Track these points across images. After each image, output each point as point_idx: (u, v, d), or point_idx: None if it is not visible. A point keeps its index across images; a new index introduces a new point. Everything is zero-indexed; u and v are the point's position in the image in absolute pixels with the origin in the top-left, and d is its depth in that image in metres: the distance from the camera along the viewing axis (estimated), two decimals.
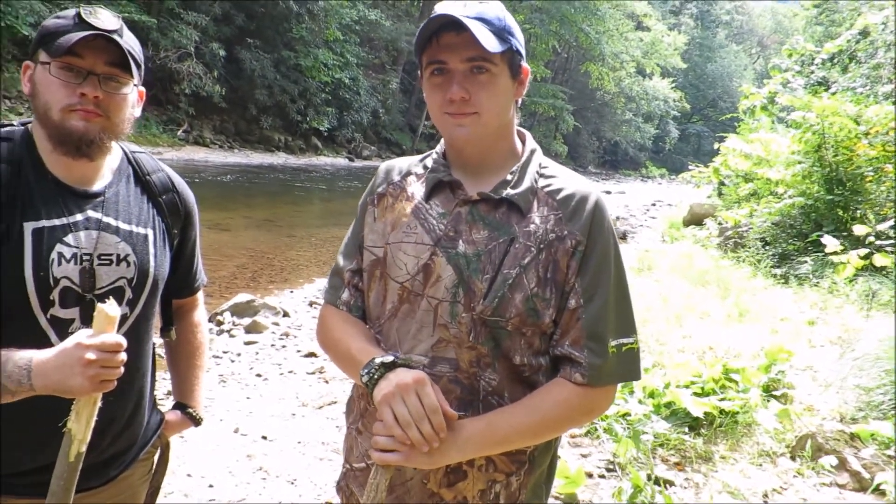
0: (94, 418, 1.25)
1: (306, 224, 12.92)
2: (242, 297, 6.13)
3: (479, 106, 1.29)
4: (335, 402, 4.29)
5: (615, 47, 46.44)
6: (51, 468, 1.26)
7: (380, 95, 34.35)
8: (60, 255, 1.39)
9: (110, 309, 1.21)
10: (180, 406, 1.77)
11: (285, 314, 6.21)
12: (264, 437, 3.74)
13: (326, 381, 4.66)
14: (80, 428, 1.23)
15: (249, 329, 5.64)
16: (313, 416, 4.10)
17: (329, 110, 29.32)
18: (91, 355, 1.19)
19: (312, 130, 29.53)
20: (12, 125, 1.48)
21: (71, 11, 1.38)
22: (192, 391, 1.79)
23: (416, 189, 1.40)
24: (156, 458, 1.72)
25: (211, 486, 3.19)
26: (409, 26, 36.23)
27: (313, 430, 3.88)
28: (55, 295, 1.38)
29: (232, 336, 5.50)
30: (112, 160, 1.53)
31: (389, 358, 1.23)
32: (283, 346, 5.37)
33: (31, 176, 1.40)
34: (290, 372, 4.80)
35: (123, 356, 1.23)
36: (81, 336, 1.22)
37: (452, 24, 1.24)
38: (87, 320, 1.42)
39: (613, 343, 1.29)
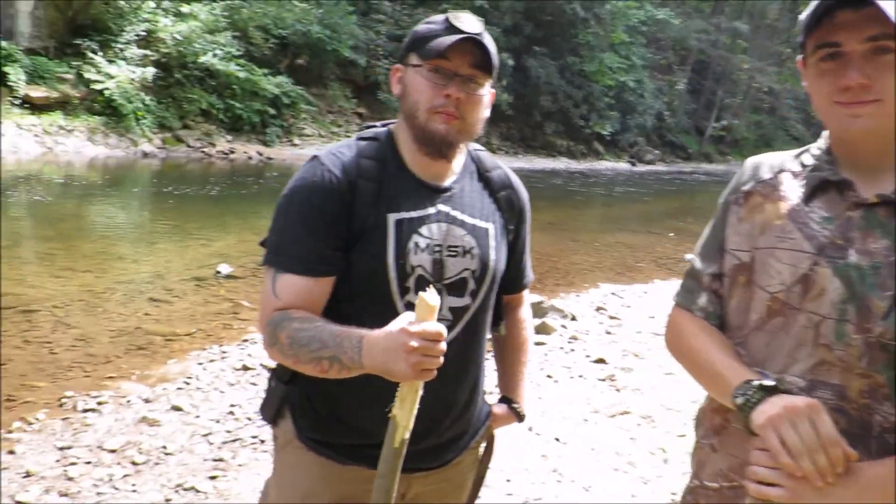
0: (417, 406, 1.25)
1: (588, 228, 12.86)
2: (531, 298, 6.23)
3: (882, 93, 1.08)
4: (628, 413, 4.14)
5: None
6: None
7: (665, 97, 33.10)
8: (416, 244, 1.46)
9: (431, 298, 1.20)
10: (506, 400, 1.78)
11: (573, 318, 6.18)
12: (557, 439, 3.72)
13: (618, 390, 4.52)
14: (404, 414, 1.24)
15: (539, 330, 5.70)
16: (605, 423, 3.99)
17: (612, 114, 28.97)
18: (414, 342, 1.19)
19: (594, 135, 29.41)
20: (377, 127, 1.60)
21: (441, 17, 1.44)
22: (516, 387, 1.79)
23: (793, 189, 1.23)
24: (482, 448, 1.75)
25: (508, 480, 3.25)
26: (700, 23, 34.39)
27: (606, 439, 3.78)
28: (411, 282, 1.45)
29: None
30: (459, 157, 1.58)
31: (770, 382, 1.08)
32: (572, 350, 5.34)
33: (394, 171, 1.50)
34: (580, 376, 4.75)
35: (444, 346, 1.22)
36: (404, 321, 1.22)
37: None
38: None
39: None
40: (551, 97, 26.65)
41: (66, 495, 2.90)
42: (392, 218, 1.45)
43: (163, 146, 16.30)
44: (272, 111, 18.71)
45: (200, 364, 4.47)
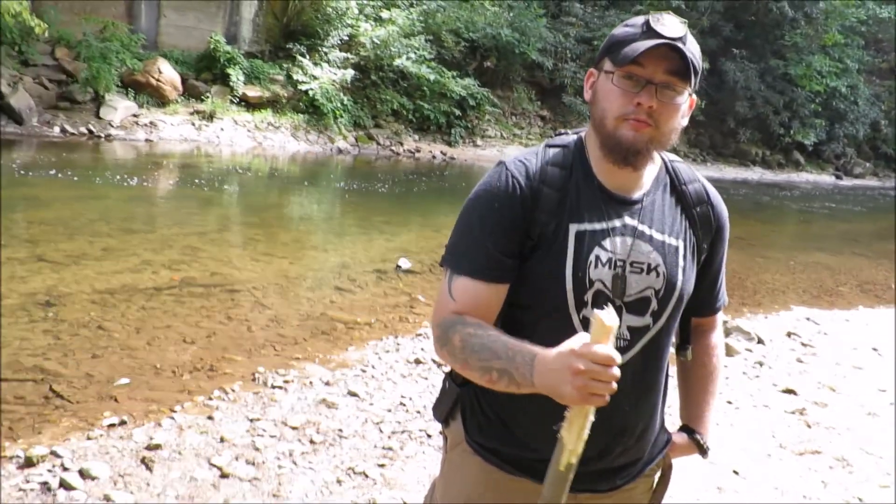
0: (587, 430, 1.18)
1: (782, 245, 11.88)
2: None
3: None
4: (819, 452, 3.76)
5: None
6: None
7: (883, 104, 29.71)
8: (597, 258, 1.41)
9: (608, 318, 1.12)
10: (688, 430, 1.67)
11: (759, 341, 5.73)
12: (735, 472, 3.46)
13: (808, 426, 4.12)
14: (572, 438, 1.18)
15: None
16: (792, 461, 3.65)
17: (818, 122, 26.53)
18: (581, 365, 1.12)
19: (795, 144, 27.12)
20: (567, 133, 1.56)
21: (640, 19, 1.37)
22: (701, 417, 1.68)
23: None
24: (657, 476, 1.66)
25: None
26: None
27: (791, 479, 3.45)
28: (588, 296, 1.40)
29: None
30: (652, 168, 1.50)
31: None
32: (757, 376, 4.94)
33: (580, 181, 1.45)
34: (765, 406, 4.39)
35: (616, 371, 1.13)
36: (577, 342, 1.16)
37: None
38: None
39: None
40: (748, 103, 24.92)
41: (252, 464, 3.16)
42: (573, 228, 1.41)
43: (356, 143, 17.33)
44: (458, 112, 19.22)
45: (376, 353, 4.69)
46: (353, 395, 3.98)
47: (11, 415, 3.43)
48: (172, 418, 3.51)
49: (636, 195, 1.46)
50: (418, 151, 17.89)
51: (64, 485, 2.83)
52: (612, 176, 1.45)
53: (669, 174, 1.53)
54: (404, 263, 6.97)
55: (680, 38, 1.33)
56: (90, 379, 3.88)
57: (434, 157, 17.93)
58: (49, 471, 2.93)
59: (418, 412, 3.82)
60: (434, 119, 18.74)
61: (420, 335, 5.13)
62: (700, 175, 1.58)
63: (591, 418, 1.18)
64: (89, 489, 2.83)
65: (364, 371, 4.36)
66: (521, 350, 1.27)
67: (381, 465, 3.25)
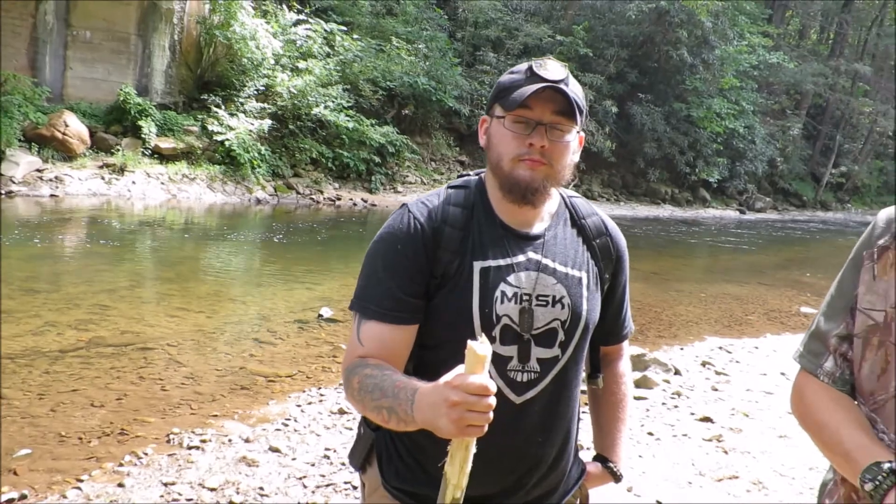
0: (469, 463, 1.16)
1: (693, 278, 12.36)
2: (632, 350, 6.02)
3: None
4: (736, 477, 3.87)
5: None
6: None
7: (778, 143, 31.73)
8: (503, 293, 1.43)
9: (479, 347, 1.10)
10: (601, 459, 1.70)
11: (676, 372, 5.91)
12: (659, 503, 3.52)
13: (725, 452, 4.25)
14: (455, 472, 1.16)
15: (639, 384, 5.48)
16: (711, 488, 3.75)
17: (720, 161, 28.03)
18: (455, 397, 1.10)
19: (701, 182, 28.52)
20: (468, 175, 1.61)
21: (524, 66, 1.44)
22: (613, 445, 1.71)
23: None
24: None
25: None
26: (817, 66, 32.97)
27: None
28: (496, 332, 1.43)
29: None
30: (551, 205, 1.55)
31: None
32: (675, 406, 5.08)
33: (482, 219, 1.49)
34: (684, 435, 4.50)
35: (491, 401, 1.11)
36: (450, 375, 1.14)
37: None
38: (523, 359, 1.46)
39: None
40: (656, 144, 26.13)
41: None
42: (478, 266, 1.44)
43: (275, 193, 17.12)
44: (377, 159, 19.32)
45: (299, 406, 4.57)
46: (274, 450, 3.85)
47: None
48: (79, 489, 3.30)
49: (537, 230, 1.51)
50: (339, 199, 17.81)
51: None
52: (512, 214, 1.49)
53: (568, 209, 1.59)
54: (326, 312, 6.87)
55: (562, 80, 1.40)
56: None
57: (355, 204, 17.91)
58: None
59: (343, 464, 3.73)
60: (354, 167, 18.76)
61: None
62: (597, 208, 1.64)
63: (472, 450, 1.15)
64: None
65: (286, 425, 4.24)
66: (405, 387, 1.26)
67: None
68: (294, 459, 3.77)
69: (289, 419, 4.33)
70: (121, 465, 3.58)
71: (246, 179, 16.63)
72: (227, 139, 16.44)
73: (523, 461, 1.51)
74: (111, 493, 3.28)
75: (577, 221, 1.58)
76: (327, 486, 3.49)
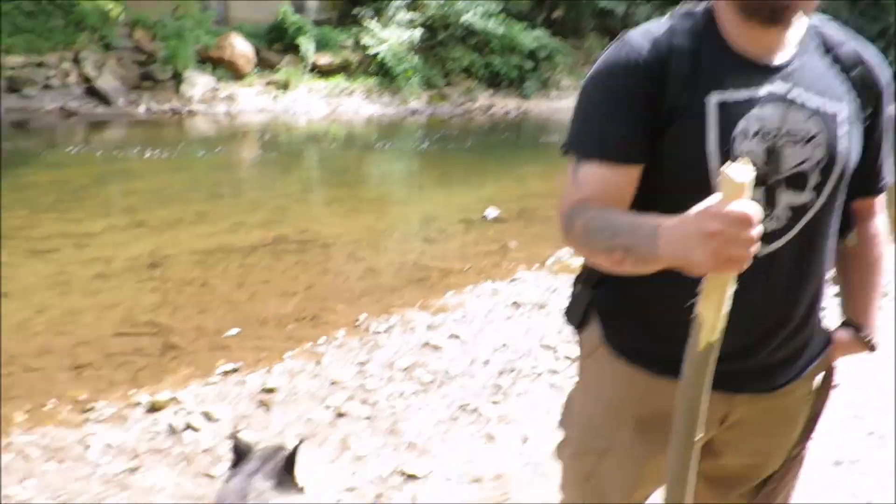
0: (727, 303, 1.02)
1: None
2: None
3: None
4: None
5: None
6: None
7: None
8: (745, 130, 1.25)
9: (736, 173, 0.95)
10: (851, 325, 1.52)
11: None
12: None
13: None
14: (710, 312, 1.02)
15: None
16: None
17: None
18: (713, 226, 0.96)
19: None
20: (688, 3, 1.40)
21: None
22: (865, 311, 1.50)
23: None
24: (817, 379, 1.52)
25: (856, 416, 2.96)
26: None
27: None
28: None
29: None
30: (796, 32, 1.33)
31: None
32: None
33: (716, 49, 1.29)
34: None
35: (757, 230, 0.97)
36: (703, 204, 1.00)
37: None
38: (770, 204, 1.29)
39: None
40: None
41: (366, 404, 3.17)
42: (713, 99, 1.25)
43: (429, 103, 17.22)
44: (529, 65, 18.79)
45: (477, 297, 4.65)
46: (456, 337, 3.94)
47: (132, 365, 3.56)
48: (283, 364, 3.57)
49: (782, 59, 1.29)
50: (492, 107, 17.62)
51: (190, 426, 2.92)
52: (753, 40, 1.27)
53: (819, 35, 1.36)
54: (491, 213, 6.87)
55: None
56: (201, 331, 3.99)
57: (508, 111, 17.64)
58: (174, 414, 3.02)
59: (524, 352, 3.75)
60: (506, 74, 18.38)
61: (516, 279, 5.04)
62: (852, 36, 1.39)
63: (731, 289, 1.02)
64: (214, 430, 2.90)
65: (464, 315, 4.32)
66: (644, 222, 1.13)
67: (495, 403, 3.20)
68: (476, 346, 3.84)
69: (466, 310, 4.41)
70: (317, 345, 3.82)
71: (400, 91, 16.82)
72: (381, 51, 16.61)
73: (770, 316, 1.35)
74: (311, 369, 3.52)
75: (829, 49, 1.35)
76: (511, 371, 3.53)
